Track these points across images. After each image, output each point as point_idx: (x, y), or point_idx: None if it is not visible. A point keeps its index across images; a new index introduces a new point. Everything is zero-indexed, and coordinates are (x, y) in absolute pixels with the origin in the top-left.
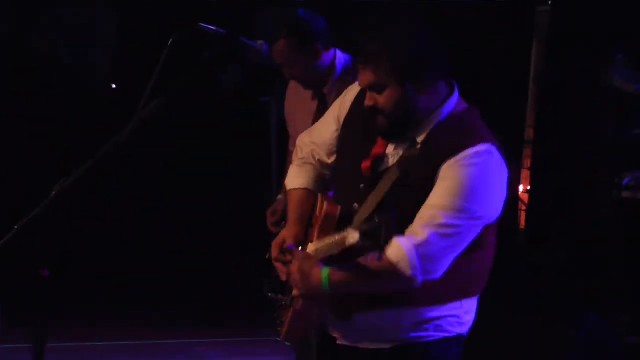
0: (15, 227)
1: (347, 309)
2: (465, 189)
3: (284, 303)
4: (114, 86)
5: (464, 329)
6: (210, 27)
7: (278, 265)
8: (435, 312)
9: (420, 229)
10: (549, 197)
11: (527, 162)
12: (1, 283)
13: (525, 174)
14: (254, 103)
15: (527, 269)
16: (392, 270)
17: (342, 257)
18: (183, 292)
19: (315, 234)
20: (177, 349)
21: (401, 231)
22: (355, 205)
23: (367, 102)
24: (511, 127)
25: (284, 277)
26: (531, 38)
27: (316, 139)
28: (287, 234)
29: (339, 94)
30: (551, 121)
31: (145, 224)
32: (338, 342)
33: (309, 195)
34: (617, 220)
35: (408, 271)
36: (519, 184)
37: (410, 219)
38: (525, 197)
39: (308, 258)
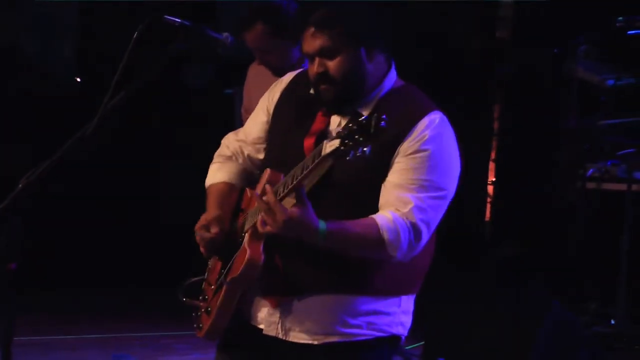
0: None
1: (279, 291)
2: (430, 164)
3: (202, 304)
4: (78, 80)
5: (399, 330)
6: (176, 19)
7: (202, 243)
8: (371, 305)
9: (403, 211)
10: (514, 189)
11: (493, 154)
12: None
13: (490, 165)
14: (219, 95)
15: (492, 260)
16: (380, 242)
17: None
18: (151, 284)
19: (256, 200)
20: (145, 342)
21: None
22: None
23: (317, 69)
24: (479, 120)
25: (207, 254)
26: (494, 30)
27: (243, 136)
28: (207, 216)
29: None
30: (515, 113)
31: (112, 215)
32: (264, 332)
33: (231, 188)
34: (581, 211)
35: (395, 251)
36: (487, 177)
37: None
38: (490, 189)
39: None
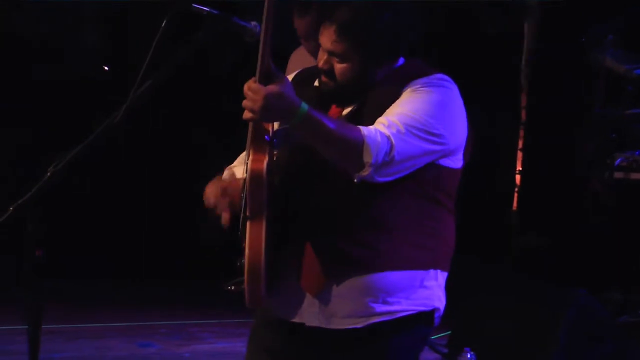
0: (10, 208)
1: (317, 278)
2: (427, 103)
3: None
4: (106, 68)
5: (438, 304)
6: (204, 7)
7: (218, 203)
8: (408, 281)
9: (388, 122)
10: (541, 179)
11: (520, 144)
12: None
13: (518, 155)
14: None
15: (518, 250)
16: (359, 140)
17: None
18: (176, 273)
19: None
20: (171, 330)
21: None
22: None
23: (323, 65)
24: (507, 110)
25: (225, 216)
26: (522, 20)
27: None
28: (215, 181)
29: None
30: (542, 102)
31: (138, 206)
32: (307, 324)
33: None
34: (609, 201)
35: (371, 157)
36: (515, 166)
37: None
38: (517, 179)
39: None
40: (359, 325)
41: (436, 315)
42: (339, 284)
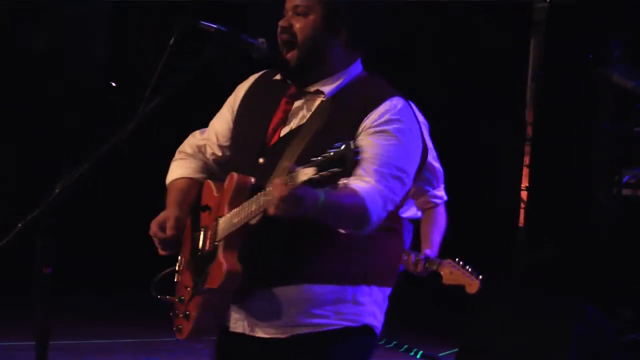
0: (19, 224)
1: (249, 283)
2: (391, 144)
3: (182, 297)
4: (113, 84)
5: (371, 321)
6: (212, 24)
7: (155, 240)
8: (337, 294)
9: (376, 177)
10: (548, 195)
11: (527, 160)
12: (4, 280)
13: (524, 171)
14: None
15: (525, 266)
16: (364, 210)
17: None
18: None
19: (226, 207)
20: (176, 347)
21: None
22: (252, 179)
23: (282, 22)
24: (512, 125)
25: (162, 251)
26: (529, 36)
27: (207, 134)
28: (167, 214)
29: None
30: (549, 118)
31: (147, 221)
32: (230, 329)
33: (190, 184)
34: (617, 217)
35: (372, 213)
36: (521, 183)
37: None
38: (524, 195)
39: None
40: (283, 336)
41: (376, 331)
42: (261, 294)
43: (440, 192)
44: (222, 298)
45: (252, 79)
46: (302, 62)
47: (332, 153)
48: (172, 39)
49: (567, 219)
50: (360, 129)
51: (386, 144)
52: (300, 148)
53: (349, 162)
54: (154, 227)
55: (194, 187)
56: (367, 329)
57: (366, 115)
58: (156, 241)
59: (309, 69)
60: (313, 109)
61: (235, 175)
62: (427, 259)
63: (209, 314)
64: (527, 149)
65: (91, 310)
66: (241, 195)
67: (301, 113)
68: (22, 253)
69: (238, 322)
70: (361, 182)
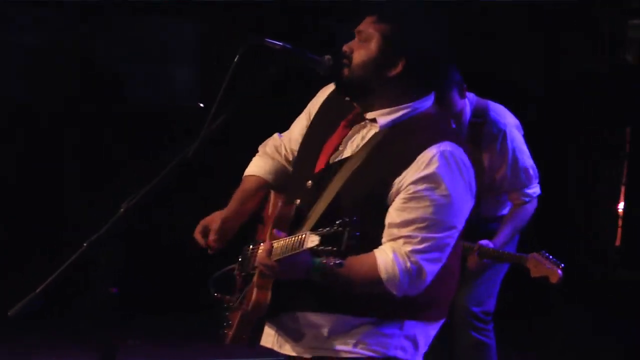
0: (84, 244)
1: (275, 307)
2: (433, 204)
3: (231, 304)
4: (201, 105)
5: (398, 354)
6: (277, 42)
7: (197, 237)
8: (364, 325)
9: (405, 251)
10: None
11: (624, 177)
12: (70, 301)
13: (622, 189)
14: None
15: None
16: (378, 281)
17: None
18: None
19: (268, 233)
20: None
21: (362, 237)
22: (298, 201)
23: (345, 47)
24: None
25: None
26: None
27: (287, 135)
28: (215, 217)
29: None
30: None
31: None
32: (262, 342)
33: (259, 185)
34: None
35: (395, 290)
36: (619, 201)
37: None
38: (621, 213)
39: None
40: (308, 356)
41: None
42: (291, 317)
43: (532, 190)
44: (253, 318)
45: (328, 89)
46: (352, 86)
47: (333, 230)
48: (237, 56)
49: None
50: (395, 185)
51: (424, 206)
52: (339, 185)
53: (344, 245)
54: (198, 228)
55: (261, 189)
56: None
57: (402, 171)
58: (199, 238)
59: (360, 94)
60: (367, 138)
61: (280, 205)
62: (480, 248)
63: (246, 328)
64: (626, 166)
65: (155, 329)
66: (282, 227)
67: (356, 140)
68: (81, 272)
69: (269, 337)
70: (388, 249)
